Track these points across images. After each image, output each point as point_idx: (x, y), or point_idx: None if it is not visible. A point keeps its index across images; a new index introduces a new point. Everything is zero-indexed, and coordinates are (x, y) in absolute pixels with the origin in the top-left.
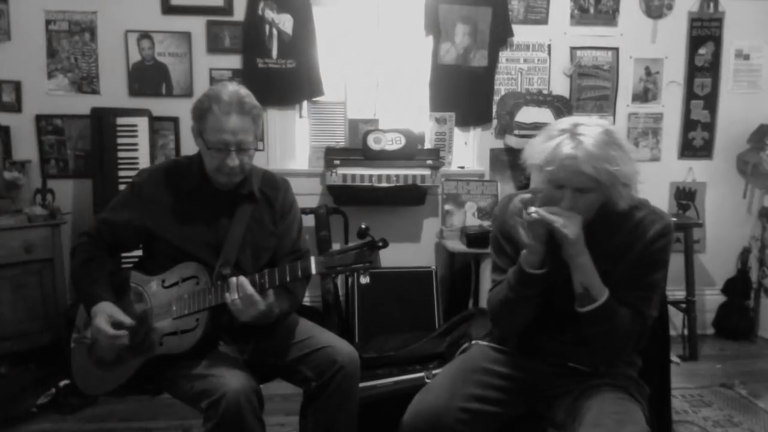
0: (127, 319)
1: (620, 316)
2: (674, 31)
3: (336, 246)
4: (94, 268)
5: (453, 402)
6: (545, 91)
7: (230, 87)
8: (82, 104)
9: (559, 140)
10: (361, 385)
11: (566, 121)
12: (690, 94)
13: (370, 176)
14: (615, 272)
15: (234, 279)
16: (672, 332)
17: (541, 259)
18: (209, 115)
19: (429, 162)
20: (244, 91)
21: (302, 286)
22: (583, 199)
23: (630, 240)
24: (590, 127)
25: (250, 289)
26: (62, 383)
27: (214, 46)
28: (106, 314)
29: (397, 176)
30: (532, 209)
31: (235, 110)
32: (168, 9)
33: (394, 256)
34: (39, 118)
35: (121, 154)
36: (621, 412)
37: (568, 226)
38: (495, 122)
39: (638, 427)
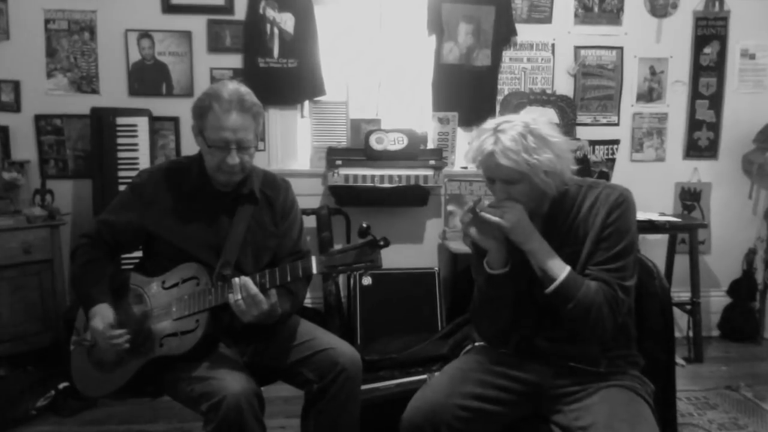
0: (117, 325)
1: (585, 290)
2: (679, 30)
3: (338, 247)
4: (93, 270)
5: (451, 399)
6: (549, 91)
7: (230, 85)
8: (81, 104)
9: (483, 138)
10: (363, 387)
11: (493, 121)
12: (695, 94)
13: (373, 177)
14: (581, 252)
15: (237, 279)
16: (677, 334)
17: (503, 257)
18: (209, 113)
19: (432, 162)
20: (244, 89)
21: (303, 287)
22: (514, 189)
23: (589, 218)
24: (511, 123)
25: (254, 289)
26: (61, 386)
27: (215, 46)
28: (101, 316)
29: (399, 177)
30: (478, 208)
31: (236, 108)
32: (168, 8)
33: (397, 257)
34: (38, 118)
35: (120, 155)
36: (633, 414)
37: (505, 215)
38: None
39: (651, 428)
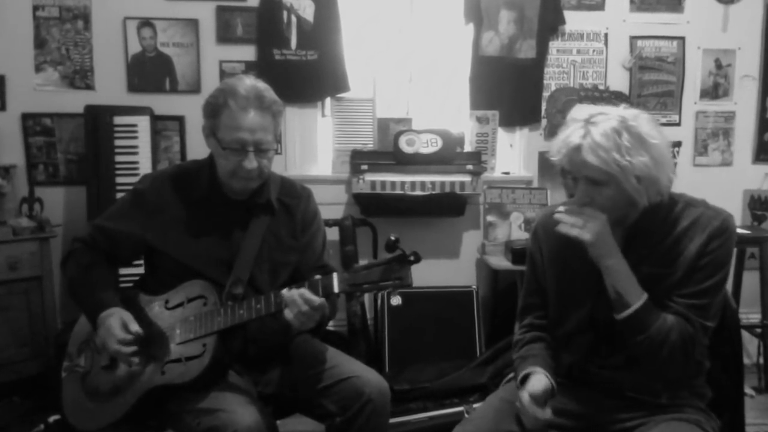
0: (139, 328)
1: (660, 324)
2: (748, 18)
3: (364, 263)
4: (96, 274)
5: None
6: (601, 87)
7: (247, 80)
8: (74, 101)
9: (572, 129)
10: (392, 420)
11: (587, 110)
12: (766, 90)
13: (402, 183)
14: (667, 276)
15: (287, 291)
16: (746, 361)
17: None
18: (224, 111)
19: (469, 167)
20: (262, 85)
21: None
22: (599, 192)
23: (683, 240)
24: (607, 115)
25: (315, 299)
26: (52, 419)
27: (225, 35)
28: (119, 316)
29: (432, 183)
30: (558, 211)
31: (254, 105)
32: None
33: (430, 274)
34: (26, 117)
35: (118, 158)
36: None
37: (586, 226)
38: (544, 122)
39: None
